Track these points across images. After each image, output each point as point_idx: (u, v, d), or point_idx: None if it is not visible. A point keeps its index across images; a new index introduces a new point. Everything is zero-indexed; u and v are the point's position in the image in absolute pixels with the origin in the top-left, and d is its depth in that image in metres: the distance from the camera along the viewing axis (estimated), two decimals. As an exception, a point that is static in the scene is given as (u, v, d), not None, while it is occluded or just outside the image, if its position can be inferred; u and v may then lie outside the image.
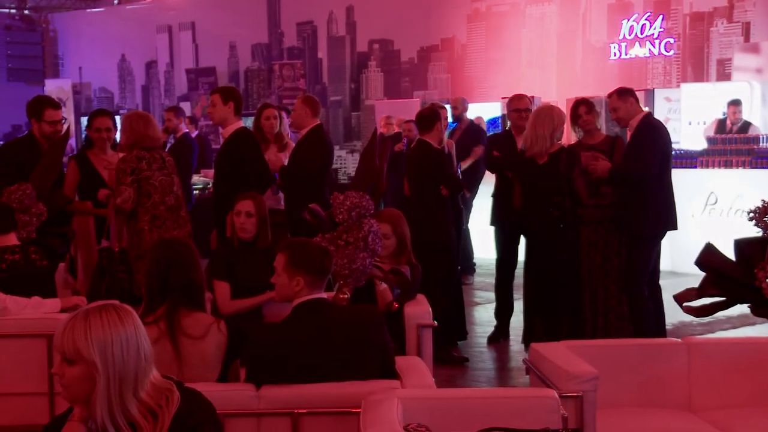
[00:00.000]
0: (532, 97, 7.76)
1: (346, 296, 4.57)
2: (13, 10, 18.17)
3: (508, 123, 7.83)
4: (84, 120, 14.35)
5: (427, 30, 15.28)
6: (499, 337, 7.29)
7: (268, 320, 4.88)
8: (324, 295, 3.68)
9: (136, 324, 2.48)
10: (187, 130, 10.24)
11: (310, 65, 16.59)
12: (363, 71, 16.16)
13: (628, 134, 6.52)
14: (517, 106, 7.28)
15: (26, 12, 18.21)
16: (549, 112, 6.45)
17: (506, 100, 8.69)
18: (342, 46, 16.31)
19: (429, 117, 6.87)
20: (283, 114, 7.76)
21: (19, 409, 4.81)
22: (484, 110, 12.79)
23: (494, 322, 7.39)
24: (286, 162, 7.23)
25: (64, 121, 6.68)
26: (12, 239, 5.23)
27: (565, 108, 9.44)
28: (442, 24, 15.18)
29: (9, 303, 4.81)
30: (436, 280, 6.37)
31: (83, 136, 13.06)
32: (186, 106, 15.50)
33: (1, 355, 4.78)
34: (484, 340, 7.22)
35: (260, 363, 3.51)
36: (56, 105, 6.63)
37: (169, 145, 9.55)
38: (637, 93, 6.65)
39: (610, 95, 6.51)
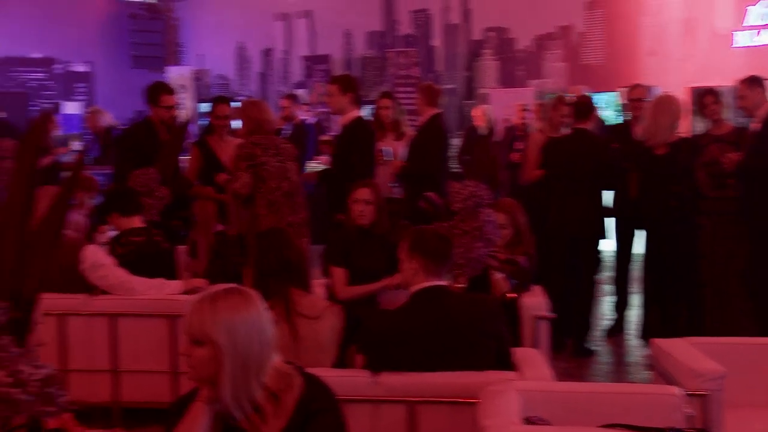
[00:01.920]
0: (649, 86, 7.66)
1: (461, 285, 4.55)
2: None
3: (626, 113, 7.73)
4: (203, 106, 14.69)
5: (543, 17, 15.07)
6: (617, 330, 7.15)
7: (383, 307, 4.90)
8: (443, 282, 3.66)
9: (261, 308, 2.50)
10: (304, 117, 10.37)
11: (424, 53, 16.57)
12: (477, 59, 16.05)
13: (753, 125, 6.31)
14: (632, 96, 7.25)
15: (152, 1, 18.74)
16: (669, 102, 6.35)
17: (624, 90, 8.54)
18: (457, 34, 16.23)
19: (587, 105, 6.80)
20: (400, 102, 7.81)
21: (143, 386, 4.96)
22: (601, 100, 12.54)
23: (611, 315, 7.26)
24: (402, 150, 7.26)
25: (179, 106, 6.85)
26: (137, 222, 5.38)
27: (686, 98, 9.20)
28: (558, 11, 14.94)
29: (135, 283, 4.97)
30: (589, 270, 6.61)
31: (202, 122, 13.37)
32: (302, 94, 15.69)
33: (126, 333, 4.94)
34: (602, 334, 7.08)
35: (377, 350, 3.52)
36: (171, 90, 6.79)
37: (286, 132, 9.68)
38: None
39: (740, 82, 6.33)
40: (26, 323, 2.17)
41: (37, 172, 2.17)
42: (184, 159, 7.02)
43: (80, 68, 18.23)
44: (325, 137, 9.81)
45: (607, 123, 9.90)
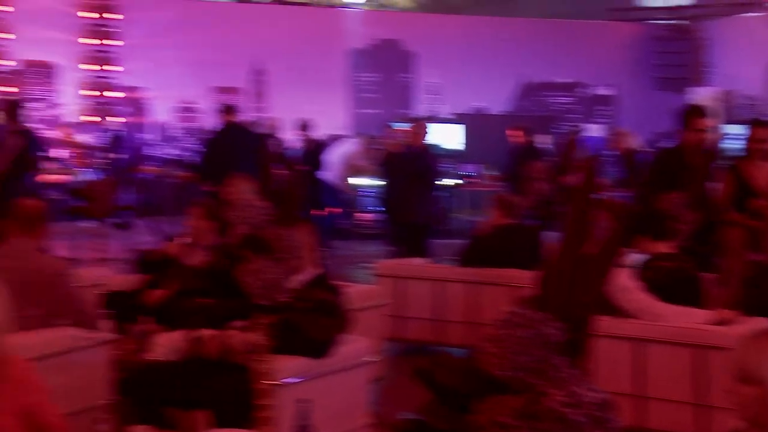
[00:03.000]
0: None
1: None
2: (668, 21, 18.72)
3: None
4: (730, 129, 14.12)
5: None
6: None
7: None
8: None
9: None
10: None
11: None
12: None
13: None
14: None
15: (680, 22, 18.58)
16: None
17: None
18: None
19: None
20: None
21: (665, 413, 4.85)
22: None
23: None
24: None
25: (710, 129, 6.70)
26: (665, 246, 5.29)
27: None
28: None
29: (661, 309, 4.89)
30: None
31: (729, 145, 12.84)
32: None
33: (651, 359, 4.87)
34: None
35: None
36: (704, 113, 6.68)
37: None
38: None
39: None
40: (580, 344, 2.20)
41: (593, 195, 2.21)
42: (715, 184, 6.80)
43: (604, 91, 18.66)
44: None
45: None
